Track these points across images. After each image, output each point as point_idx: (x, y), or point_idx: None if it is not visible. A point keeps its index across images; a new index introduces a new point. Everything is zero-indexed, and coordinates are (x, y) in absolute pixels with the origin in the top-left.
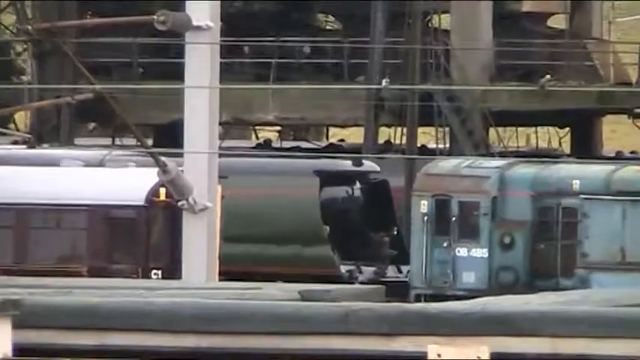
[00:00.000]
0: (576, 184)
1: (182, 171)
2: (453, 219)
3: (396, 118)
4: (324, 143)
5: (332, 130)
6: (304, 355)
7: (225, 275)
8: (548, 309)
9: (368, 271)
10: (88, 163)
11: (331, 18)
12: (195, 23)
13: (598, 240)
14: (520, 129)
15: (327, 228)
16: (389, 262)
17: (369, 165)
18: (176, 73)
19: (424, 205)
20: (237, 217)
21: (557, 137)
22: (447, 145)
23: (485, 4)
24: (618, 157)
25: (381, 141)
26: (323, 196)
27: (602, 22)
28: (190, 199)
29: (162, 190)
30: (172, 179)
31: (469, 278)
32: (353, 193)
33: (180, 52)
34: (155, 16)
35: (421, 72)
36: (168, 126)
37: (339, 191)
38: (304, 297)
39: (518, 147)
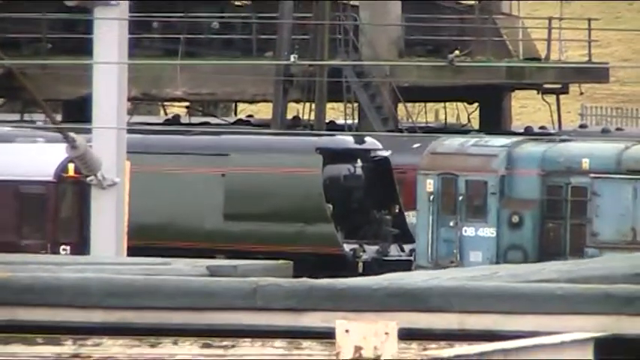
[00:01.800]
0: (586, 163)
1: (91, 146)
2: (460, 198)
3: (305, 94)
4: (232, 119)
5: (240, 106)
6: (212, 331)
7: (227, 254)
8: (457, 284)
9: (371, 249)
10: None
11: None
12: None
13: (608, 219)
14: (429, 104)
15: (330, 206)
16: (392, 240)
17: (371, 142)
18: (85, 49)
19: (430, 184)
20: (239, 195)
21: (465, 112)
22: (356, 121)
23: None
24: (527, 133)
25: (289, 116)
26: (326, 173)
27: None
28: (99, 175)
29: (71, 166)
30: (81, 155)
31: (476, 257)
32: (355, 170)
33: (89, 27)
34: None
35: (330, 47)
36: (77, 101)
37: (342, 169)
38: (212, 272)
39: (427, 122)
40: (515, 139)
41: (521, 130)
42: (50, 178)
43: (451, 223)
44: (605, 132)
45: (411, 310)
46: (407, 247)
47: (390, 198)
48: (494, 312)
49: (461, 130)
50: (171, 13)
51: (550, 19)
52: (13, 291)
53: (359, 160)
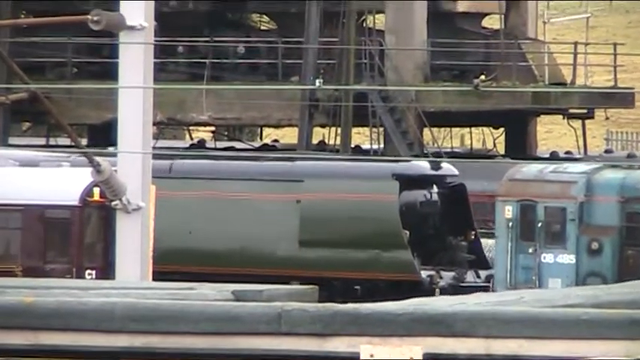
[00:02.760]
0: None
1: (116, 171)
2: (539, 224)
3: (330, 119)
4: (257, 143)
5: (266, 131)
6: (237, 356)
7: (302, 280)
8: (482, 309)
9: (447, 275)
10: (23, 163)
11: (265, 18)
12: (129, 23)
13: None
14: (455, 129)
15: (407, 232)
16: (468, 266)
17: (447, 168)
18: (110, 73)
19: (509, 211)
20: (314, 222)
21: (491, 137)
22: (382, 146)
23: (419, 4)
24: (553, 158)
25: (315, 141)
26: (402, 199)
27: (536, 22)
28: (124, 199)
29: (96, 190)
30: (106, 179)
31: (555, 284)
32: (431, 196)
33: (114, 51)
34: (89, 16)
35: (355, 72)
36: (102, 126)
37: (418, 195)
38: (237, 297)
39: (452, 147)
40: (594, 165)
41: (547, 156)
42: (75, 203)
43: (530, 250)
44: (630, 157)
45: (436, 335)
46: (483, 274)
47: (465, 224)
48: (519, 337)
49: (486, 155)
50: (196, 37)
51: (576, 43)
52: (38, 315)
53: (435, 186)
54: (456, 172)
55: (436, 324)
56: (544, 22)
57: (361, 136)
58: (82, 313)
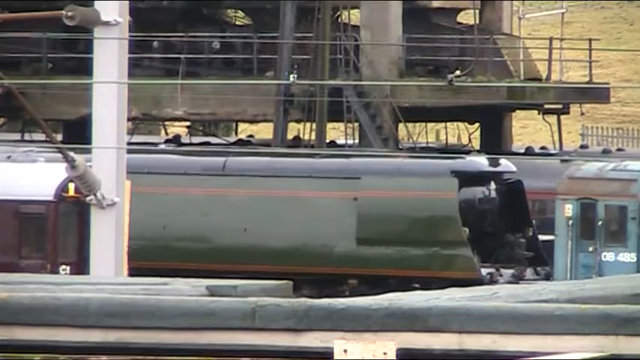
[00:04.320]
0: None
1: (91, 166)
2: (599, 223)
3: (306, 114)
4: (233, 138)
5: (241, 126)
6: (211, 351)
7: (359, 279)
8: (456, 304)
9: (507, 273)
10: None
11: (240, 13)
12: (103, 18)
13: None
14: (430, 124)
15: (467, 230)
16: (527, 263)
17: (505, 165)
18: (85, 69)
19: (569, 209)
20: (372, 219)
21: (466, 133)
22: (357, 141)
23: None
24: (528, 153)
25: (290, 136)
26: (460, 196)
27: (512, 17)
28: (99, 195)
29: (72, 186)
30: (81, 175)
31: None
32: (490, 193)
33: (89, 47)
34: (64, 11)
35: (330, 67)
36: (77, 121)
37: (477, 192)
38: (212, 292)
39: (427, 142)
40: None
41: (522, 151)
42: (50, 198)
43: (590, 249)
44: (606, 152)
45: (410, 330)
46: (541, 271)
47: (523, 220)
48: (493, 332)
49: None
50: (171, 32)
51: (551, 39)
52: (12, 311)
53: (492, 183)
54: (513, 168)
55: (410, 319)
56: (519, 18)
57: (336, 132)
58: (57, 308)
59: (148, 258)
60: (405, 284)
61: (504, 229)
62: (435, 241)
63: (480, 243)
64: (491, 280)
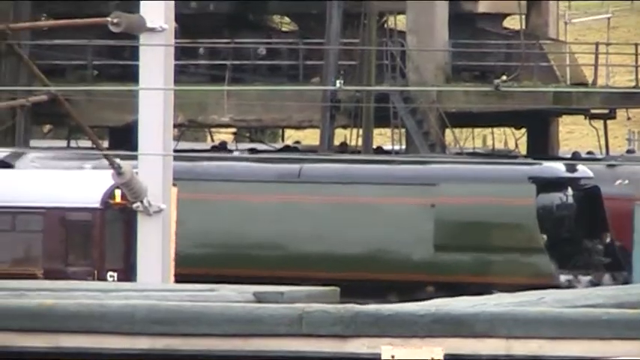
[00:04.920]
0: None
1: (137, 173)
2: None
3: (352, 120)
4: (279, 145)
5: (287, 132)
6: (258, 357)
7: (437, 285)
8: (503, 310)
9: (585, 279)
10: (44, 165)
11: (286, 19)
12: (149, 25)
13: None
14: (476, 130)
15: (545, 236)
16: (604, 270)
17: (582, 170)
18: (130, 75)
19: None
20: (450, 226)
21: (513, 138)
22: (403, 147)
23: (440, 5)
24: (575, 158)
25: (336, 142)
26: (538, 203)
27: (557, 22)
28: (145, 201)
29: (118, 193)
30: (127, 181)
31: None
32: (567, 199)
33: (134, 53)
34: (109, 18)
35: (377, 73)
36: (123, 128)
37: (554, 198)
38: (258, 298)
39: (474, 148)
40: None
41: (569, 156)
42: (97, 205)
43: None
44: None
45: (457, 335)
46: (619, 276)
47: (600, 226)
48: (540, 337)
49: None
50: (217, 39)
51: (597, 44)
52: (58, 318)
53: (569, 189)
54: (590, 174)
55: (457, 325)
56: (565, 23)
57: (383, 137)
58: (103, 315)
59: (220, 265)
60: (482, 291)
61: (582, 235)
62: (513, 247)
63: (558, 249)
64: (570, 287)
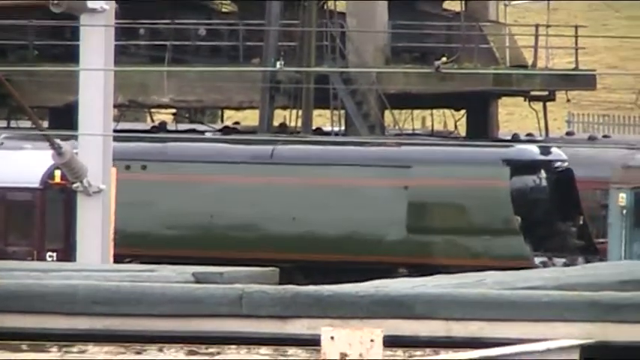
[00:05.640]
0: None
1: (77, 153)
2: None
3: (292, 101)
4: (219, 126)
5: (227, 113)
6: (197, 338)
7: (410, 268)
8: (442, 291)
9: (559, 262)
10: None
11: (227, 0)
12: (90, 5)
13: None
14: (416, 111)
15: (519, 219)
16: (578, 252)
17: (556, 153)
18: (71, 56)
19: (623, 198)
20: (423, 208)
21: (452, 119)
22: (342, 128)
23: None
24: (514, 140)
25: (276, 123)
26: (512, 185)
27: (497, 4)
28: (85, 182)
29: (58, 173)
30: (67, 162)
31: None
32: (541, 182)
33: (75, 34)
34: None
35: (317, 54)
36: (63, 108)
37: (528, 180)
38: (198, 279)
39: (413, 129)
40: None
41: (509, 138)
42: (37, 185)
43: None
44: (592, 139)
45: (397, 317)
46: (593, 259)
47: (573, 209)
48: (480, 319)
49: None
50: (157, 19)
51: (537, 26)
52: None
53: (543, 171)
54: (564, 156)
55: (397, 306)
56: (505, 5)
57: (322, 118)
58: (44, 295)
59: (195, 246)
60: (456, 273)
61: (556, 217)
62: (487, 230)
63: (532, 232)
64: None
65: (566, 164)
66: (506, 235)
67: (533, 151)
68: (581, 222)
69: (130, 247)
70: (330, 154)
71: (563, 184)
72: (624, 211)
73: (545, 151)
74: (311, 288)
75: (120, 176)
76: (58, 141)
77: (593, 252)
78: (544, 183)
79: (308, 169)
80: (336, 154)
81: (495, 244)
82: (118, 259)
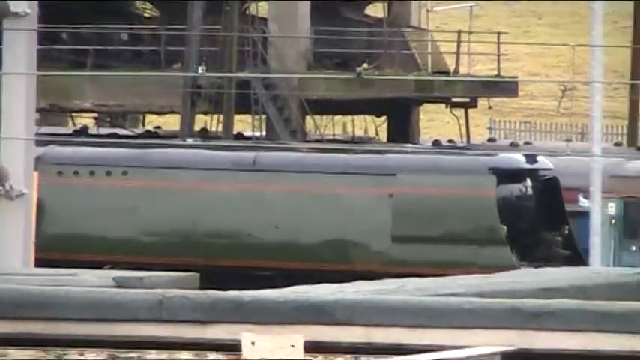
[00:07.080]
0: None
1: None
2: None
3: (213, 106)
4: (140, 130)
5: (148, 117)
6: (118, 342)
7: (395, 277)
8: (363, 297)
9: None
10: None
11: (149, 5)
12: (13, 9)
13: None
14: (337, 117)
15: (505, 227)
16: (565, 261)
17: (541, 162)
18: None
19: (611, 208)
20: (408, 217)
21: (374, 125)
22: (264, 133)
23: None
24: (435, 146)
25: (197, 128)
26: (499, 194)
27: (420, 10)
28: (7, 185)
29: None
30: None
31: None
32: (527, 191)
33: None
34: None
35: (238, 60)
36: None
37: (514, 189)
38: (119, 283)
39: (334, 135)
40: None
41: (429, 144)
42: None
43: (633, 248)
44: (513, 146)
45: (318, 323)
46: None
47: (559, 218)
48: (400, 325)
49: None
50: (80, 24)
51: (459, 32)
52: None
53: (529, 180)
54: (550, 165)
55: (317, 312)
56: (427, 11)
57: (244, 124)
58: None
59: (175, 254)
60: None
61: (541, 226)
62: (473, 239)
63: (517, 241)
64: None
65: (551, 173)
66: (492, 244)
67: (519, 159)
68: (566, 231)
69: (109, 254)
70: (314, 161)
71: (549, 192)
72: (612, 221)
73: (530, 159)
74: (232, 293)
75: (101, 183)
76: None
77: (579, 260)
78: (530, 192)
79: (291, 176)
80: (319, 161)
81: (481, 253)
82: (98, 265)
